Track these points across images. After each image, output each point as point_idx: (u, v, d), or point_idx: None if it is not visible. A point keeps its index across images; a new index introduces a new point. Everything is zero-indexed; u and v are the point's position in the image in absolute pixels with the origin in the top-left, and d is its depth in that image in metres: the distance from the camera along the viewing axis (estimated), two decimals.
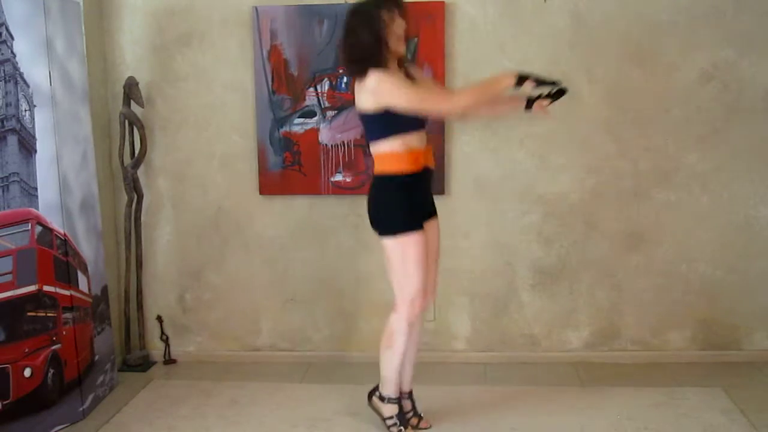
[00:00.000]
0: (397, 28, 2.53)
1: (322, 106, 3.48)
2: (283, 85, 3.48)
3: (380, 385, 2.86)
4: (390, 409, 2.83)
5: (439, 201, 3.49)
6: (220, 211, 3.65)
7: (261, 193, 3.59)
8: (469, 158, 3.50)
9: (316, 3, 3.42)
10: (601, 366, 3.51)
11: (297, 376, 3.52)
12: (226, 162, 3.60)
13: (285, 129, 3.51)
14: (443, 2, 3.36)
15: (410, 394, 2.92)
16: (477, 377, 3.45)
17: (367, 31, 2.50)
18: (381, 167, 2.64)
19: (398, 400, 2.84)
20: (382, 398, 2.85)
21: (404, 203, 2.62)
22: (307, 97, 3.48)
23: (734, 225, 3.46)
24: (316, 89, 3.47)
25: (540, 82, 2.51)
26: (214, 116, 3.58)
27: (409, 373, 2.89)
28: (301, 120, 3.50)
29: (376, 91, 2.51)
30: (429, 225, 2.72)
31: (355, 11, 2.58)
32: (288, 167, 3.54)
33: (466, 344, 3.63)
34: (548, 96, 2.57)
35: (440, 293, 3.57)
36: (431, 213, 2.77)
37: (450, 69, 3.41)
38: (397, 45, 2.55)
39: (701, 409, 3.01)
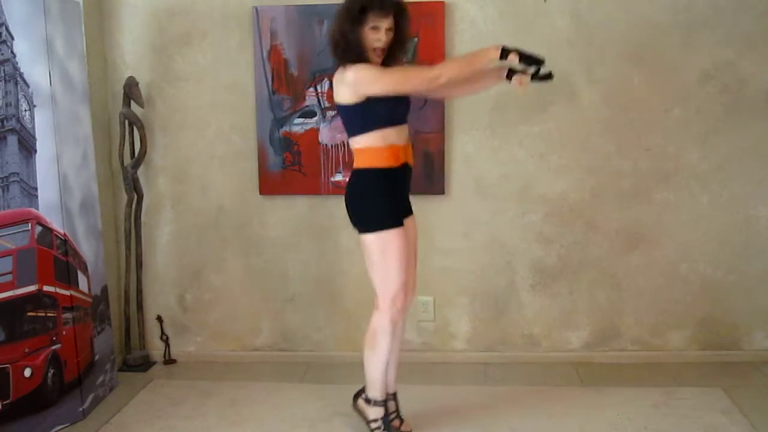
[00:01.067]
0: (372, 27, 2.49)
1: (322, 106, 3.48)
2: (283, 85, 3.49)
3: (366, 387, 2.82)
4: (376, 412, 2.78)
5: (439, 201, 3.52)
6: (220, 211, 3.65)
7: (261, 193, 3.59)
8: (469, 158, 3.50)
9: (316, 3, 3.42)
10: (601, 366, 3.51)
11: (297, 376, 3.52)
12: (226, 162, 3.60)
13: (285, 129, 3.51)
14: (443, 2, 3.36)
15: (395, 395, 2.88)
16: (477, 377, 3.45)
17: (343, 27, 2.49)
18: (360, 162, 2.60)
19: (384, 403, 2.79)
20: (368, 401, 2.81)
21: (385, 199, 2.59)
22: (307, 97, 3.49)
23: (734, 225, 3.46)
24: (316, 89, 3.47)
25: (525, 57, 2.45)
26: (214, 116, 3.58)
27: (393, 374, 2.85)
28: (301, 120, 3.51)
29: (355, 81, 2.48)
30: (407, 222, 2.69)
31: (340, 7, 2.56)
32: (288, 167, 3.54)
33: (466, 344, 3.63)
34: (532, 75, 2.52)
35: (440, 293, 3.59)
36: (408, 210, 2.74)
37: None
38: (373, 42, 2.51)
39: (701, 409, 3.01)
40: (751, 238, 3.47)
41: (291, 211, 3.61)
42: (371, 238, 2.59)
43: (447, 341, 3.65)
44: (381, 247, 2.59)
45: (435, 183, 3.49)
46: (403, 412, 2.89)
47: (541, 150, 3.47)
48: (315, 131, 3.50)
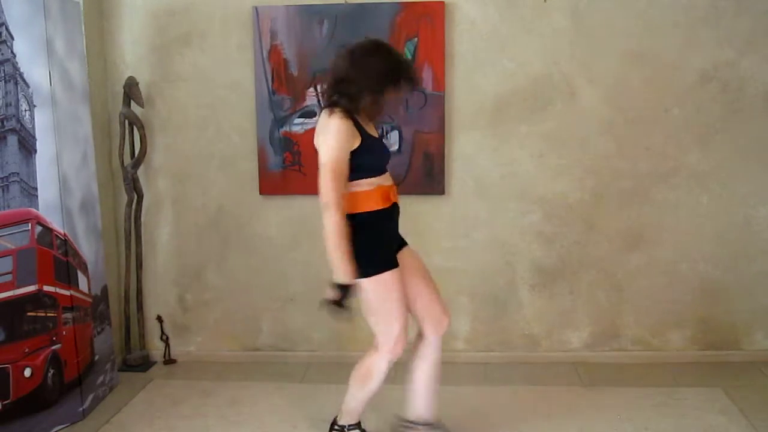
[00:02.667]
0: (391, 98, 2.51)
1: (322, 106, 3.47)
2: (283, 85, 3.49)
3: (339, 416, 2.74)
4: None
5: (439, 201, 3.52)
6: (220, 211, 3.65)
7: (261, 193, 3.59)
8: (469, 158, 3.50)
9: (316, 3, 3.42)
10: (601, 366, 3.51)
11: (297, 376, 3.52)
12: (226, 162, 3.60)
13: (285, 129, 3.51)
14: (443, 2, 3.36)
15: (434, 425, 2.76)
16: (477, 377, 3.45)
17: (370, 80, 2.42)
18: (351, 207, 2.45)
19: (359, 424, 2.74)
20: (341, 428, 2.74)
21: (379, 242, 2.53)
22: (307, 97, 3.48)
23: (734, 225, 3.46)
24: (316, 89, 3.47)
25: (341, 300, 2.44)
26: (214, 116, 3.58)
27: (429, 398, 2.73)
28: (301, 120, 3.50)
29: (322, 129, 2.45)
30: (404, 254, 2.61)
31: (369, 51, 2.47)
32: (288, 167, 3.54)
33: (466, 344, 3.63)
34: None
35: (440, 293, 3.58)
36: (402, 243, 2.65)
37: (450, 69, 3.41)
38: (380, 115, 2.61)
39: (701, 409, 3.01)
40: (750, 238, 3.47)
41: (291, 211, 3.61)
42: (368, 283, 2.50)
43: (447, 341, 3.62)
44: (379, 291, 2.51)
45: (435, 183, 3.49)
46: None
47: (541, 150, 3.47)
48: (315, 131, 3.49)
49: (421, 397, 2.73)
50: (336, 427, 2.76)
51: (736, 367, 3.45)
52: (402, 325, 2.55)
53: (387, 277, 2.50)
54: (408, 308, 2.61)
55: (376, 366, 2.61)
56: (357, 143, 2.42)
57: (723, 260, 3.49)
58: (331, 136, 2.40)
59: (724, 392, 3.15)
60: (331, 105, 2.46)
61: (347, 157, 2.41)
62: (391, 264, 2.52)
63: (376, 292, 2.51)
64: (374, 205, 2.50)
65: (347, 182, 2.45)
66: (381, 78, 2.43)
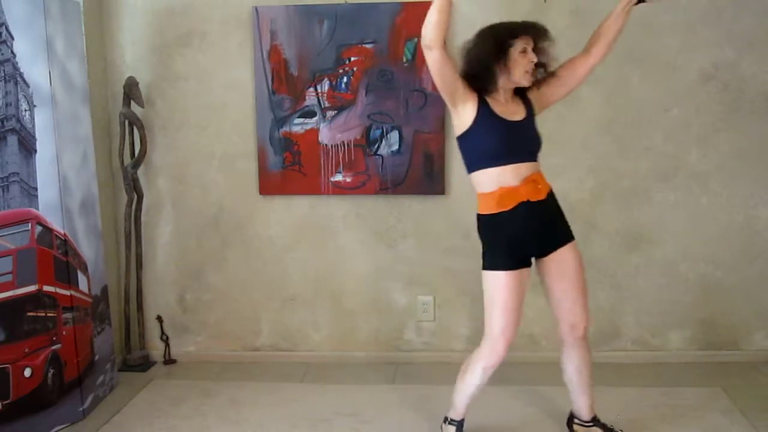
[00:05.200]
0: (523, 60, 2.40)
1: (322, 106, 3.48)
2: (283, 85, 3.49)
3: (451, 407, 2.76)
4: (448, 430, 2.76)
5: (439, 201, 3.52)
6: (220, 211, 3.65)
7: (261, 193, 3.59)
8: None
9: (316, 3, 3.42)
10: (600, 366, 3.50)
11: (297, 376, 3.52)
12: (226, 162, 3.60)
13: (285, 129, 3.51)
14: None
15: (596, 420, 2.75)
16: None
17: (479, 54, 2.41)
18: (478, 206, 2.51)
19: (459, 424, 2.74)
20: (445, 418, 2.78)
21: (495, 243, 2.50)
22: (307, 97, 3.49)
23: (734, 225, 3.46)
24: (316, 89, 3.47)
25: None
26: (214, 116, 3.58)
27: (584, 399, 2.73)
28: (301, 120, 3.50)
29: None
30: (558, 255, 2.52)
31: (482, 31, 2.48)
32: (288, 167, 3.54)
33: (466, 344, 3.62)
34: None
35: (440, 293, 3.59)
36: (561, 241, 2.53)
37: None
38: (522, 78, 2.42)
39: (701, 409, 3.01)
40: (751, 238, 3.47)
41: (291, 211, 3.61)
42: (483, 275, 2.53)
43: (447, 341, 3.65)
44: (488, 287, 2.52)
45: (435, 183, 3.49)
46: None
47: (542, 150, 3.46)
48: (315, 131, 3.50)
49: (576, 396, 2.74)
50: (445, 417, 2.78)
51: (736, 367, 3.44)
52: (502, 328, 2.51)
53: (499, 277, 2.48)
54: (553, 309, 2.62)
55: (473, 361, 2.62)
56: (471, 115, 2.38)
57: (723, 260, 3.49)
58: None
59: (724, 392, 3.15)
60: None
61: (454, 66, 2.36)
62: (503, 266, 2.47)
63: (486, 286, 2.52)
64: (489, 208, 2.46)
65: (471, 170, 2.46)
66: (490, 41, 2.39)
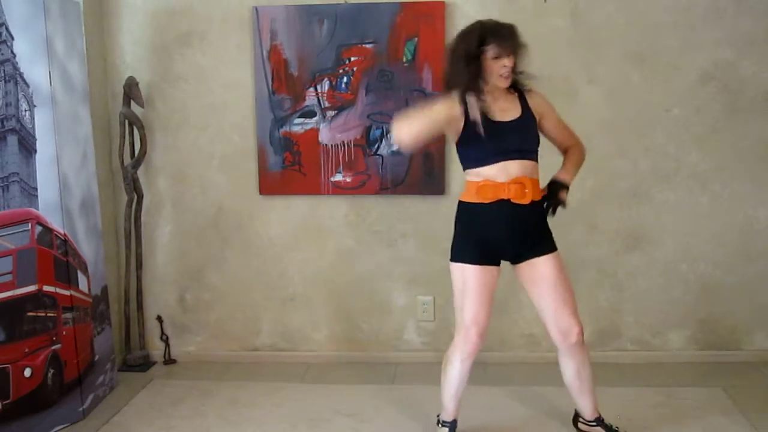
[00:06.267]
0: (496, 65, 2.40)
1: (322, 106, 3.48)
2: (283, 85, 3.48)
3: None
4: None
5: (439, 201, 3.52)
6: (220, 211, 3.65)
7: (261, 193, 3.59)
8: None
9: (316, 3, 3.42)
10: (601, 366, 3.50)
11: (297, 376, 3.52)
12: (226, 162, 3.60)
13: (285, 129, 3.51)
14: (443, 2, 3.36)
15: (600, 420, 2.75)
16: (477, 377, 3.43)
17: (455, 62, 2.44)
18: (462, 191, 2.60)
19: (451, 425, 2.74)
20: (438, 420, 2.78)
21: (465, 234, 2.54)
22: (307, 97, 3.48)
23: (734, 225, 3.46)
24: (316, 89, 3.47)
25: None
26: (214, 116, 3.58)
27: (586, 401, 2.73)
28: (301, 120, 3.50)
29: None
30: (538, 263, 2.54)
31: (455, 40, 2.51)
32: (288, 167, 3.54)
33: None
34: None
35: (440, 293, 3.59)
36: (540, 251, 2.55)
37: None
38: (497, 81, 2.43)
39: (701, 409, 3.01)
40: (751, 238, 3.47)
41: (291, 211, 3.61)
42: (451, 266, 2.58)
43: (447, 341, 3.61)
44: (456, 279, 2.56)
45: (435, 183, 3.49)
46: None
47: (541, 150, 3.44)
48: (315, 131, 3.50)
49: (578, 398, 2.74)
50: (437, 419, 2.80)
51: (736, 367, 3.44)
52: (473, 317, 2.55)
53: (466, 270, 2.52)
54: (539, 317, 2.66)
55: (450, 354, 2.64)
56: (460, 126, 2.45)
57: (723, 260, 3.49)
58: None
59: (724, 392, 3.15)
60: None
61: (441, 120, 2.44)
62: (470, 259, 2.51)
63: (455, 279, 2.57)
64: (470, 197, 2.53)
65: (464, 168, 2.54)
66: (461, 49, 2.41)
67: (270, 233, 3.64)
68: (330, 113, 3.48)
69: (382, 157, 3.49)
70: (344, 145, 3.50)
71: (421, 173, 3.48)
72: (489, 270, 2.54)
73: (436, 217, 3.53)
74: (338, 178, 3.52)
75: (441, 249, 3.55)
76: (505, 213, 2.47)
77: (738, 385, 3.21)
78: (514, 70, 2.46)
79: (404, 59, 3.41)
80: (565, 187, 2.58)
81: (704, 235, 3.48)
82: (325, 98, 3.47)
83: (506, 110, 2.50)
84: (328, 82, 3.46)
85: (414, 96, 3.41)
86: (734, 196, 3.44)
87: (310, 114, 3.50)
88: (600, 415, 2.76)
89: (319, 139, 3.51)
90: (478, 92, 2.41)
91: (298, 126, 3.51)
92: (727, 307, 3.52)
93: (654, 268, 3.52)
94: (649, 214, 3.48)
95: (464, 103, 2.43)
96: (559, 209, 2.59)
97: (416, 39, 3.38)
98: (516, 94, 2.55)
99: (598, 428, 2.76)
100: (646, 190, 3.47)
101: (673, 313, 3.54)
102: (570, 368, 2.66)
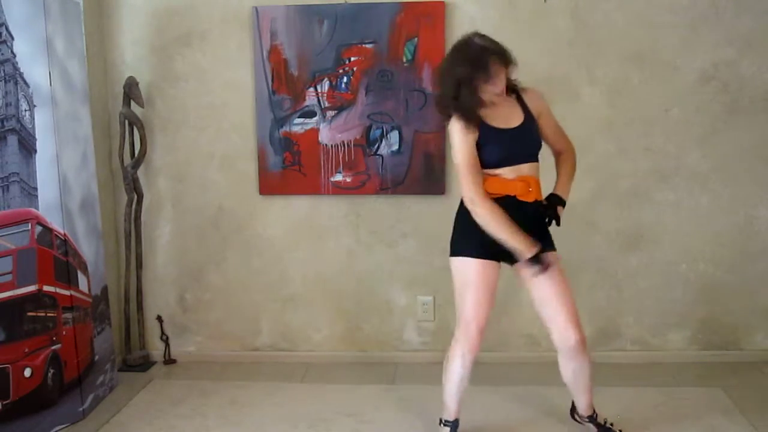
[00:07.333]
0: (486, 87, 2.42)
1: (322, 106, 3.48)
2: (283, 85, 3.49)
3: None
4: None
5: (439, 201, 3.52)
6: (220, 211, 3.65)
7: (261, 193, 3.59)
8: None
9: (316, 3, 3.42)
10: (600, 366, 3.50)
11: (297, 376, 3.52)
12: (226, 162, 3.60)
13: (285, 129, 3.51)
14: (443, 2, 3.36)
15: (592, 417, 2.77)
16: (477, 377, 3.44)
17: (449, 83, 2.45)
18: None
19: (453, 424, 2.74)
20: (440, 420, 2.78)
21: (469, 228, 2.53)
22: (307, 97, 3.49)
23: (734, 225, 3.46)
24: (316, 89, 3.47)
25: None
26: (214, 116, 3.58)
27: (582, 398, 2.74)
28: (301, 120, 3.50)
29: (450, 135, 2.51)
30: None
31: (447, 57, 2.53)
32: (288, 167, 3.54)
33: None
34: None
35: (440, 293, 3.59)
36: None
37: None
38: (492, 97, 2.46)
39: (701, 409, 3.01)
40: (751, 238, 3.47)
41: (291, 211, 3.61)
42: (451, 262, 2.59)
43: (447, 341, 3.61)
44: (457, 274, 2.57)
45: (435, 183, 3.49)
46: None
47: (541, 150, 3.46)
48: (315, 131, 3.50)
49: (575, 395, 2.75)
50: (440, 419, 2.79)
51: (736, 367, 3.45)
52: (473, 314, 2.55)
53: (468, 264, 2.53)
54: (540, 318, 2.65)
55: (451, 352, 2.65)
56: (475, 138, 2.46)
57: (723, 260, 3.49)
58: (454, 138, 2.47)
59: (724, 392, 3.15)
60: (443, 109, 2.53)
61: (474, 150, 2.46)
62: (474, 253, 2.53)
63: (456, 274, 2.57)
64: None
65: (482, 171, 2.50)
66: (452, 85, 2.43)
67: (270, 233, 3.64)
68: (330, 113, 3.48)
69: (382, 157, 3.49)
70: (344, 145, 3.50)
71: (421, 173, 3.48)
72: (489, 265, 2.55)
73: (436, 217, 3.53)
74: (338, 178, 3.52)
75: (441, 249, 3.54)
76: (509, 209, 2.49)
77: (738, 385, 3.21)
78: (508, 80, 2.50)
79: (404, 59, 3.41)
80: (563, 204, 2.64)
81: (704, 235, 3.48)
82: (325, 98, 3.47)
83: (509, 117, 2.52)
84: (328, 82, 3.46)
85: (414, 96, 3.41)
86: (734, 196, 3.44)
87: (310, 114, 3.50)
88: (594, 413, 2.77)
89: (319, 139, 3.51)
90: (477, 117, 2.46)
91: (298, 126, 3.51)
92: (727, 307, 3.52)
93: (654, 268, 3.52)
94: (649, 214, 3.48)
95: (473, 121, 2.45)
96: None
97: (416, 39, 3.38)
98: (514, 95, 2.57)
99: (590, 425, 2.77)
100: (646, 190, 3.47)
101: (673, 313, 3.54)
102: (568, 369, 2.66)
